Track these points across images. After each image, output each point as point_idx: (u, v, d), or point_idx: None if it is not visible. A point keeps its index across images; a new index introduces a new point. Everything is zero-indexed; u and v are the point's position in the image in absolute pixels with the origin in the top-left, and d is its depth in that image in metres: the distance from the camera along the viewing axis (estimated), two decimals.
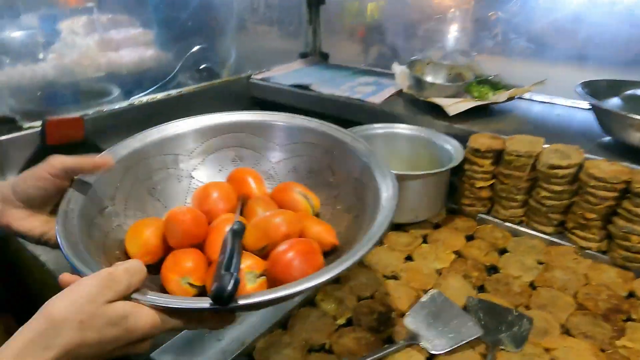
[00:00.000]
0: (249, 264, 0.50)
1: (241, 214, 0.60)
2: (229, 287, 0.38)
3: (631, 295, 0.69)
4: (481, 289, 0.71)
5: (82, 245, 0.48)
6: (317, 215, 0.64)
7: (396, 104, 1.08)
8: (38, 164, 0.53)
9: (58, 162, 0.52)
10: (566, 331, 0.63)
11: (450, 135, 0.90)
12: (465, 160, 0.85)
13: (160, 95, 1.11)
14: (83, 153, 0.97)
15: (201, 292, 0.51)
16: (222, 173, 0.69)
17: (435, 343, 0.59)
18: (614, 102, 0.85)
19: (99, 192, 0.56)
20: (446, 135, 0.90)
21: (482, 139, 0.85)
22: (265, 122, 0.70)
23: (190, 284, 0.50)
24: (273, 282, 0.50)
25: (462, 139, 0.88)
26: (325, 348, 0.60)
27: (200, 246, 0.55)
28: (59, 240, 0.47)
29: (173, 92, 1.13)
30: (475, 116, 0.98)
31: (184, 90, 1.16)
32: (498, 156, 0.84)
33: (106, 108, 1.00)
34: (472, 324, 0.61)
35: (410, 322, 0.62)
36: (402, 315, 0.65)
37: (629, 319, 0.64)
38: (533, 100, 1.09)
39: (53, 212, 0.53)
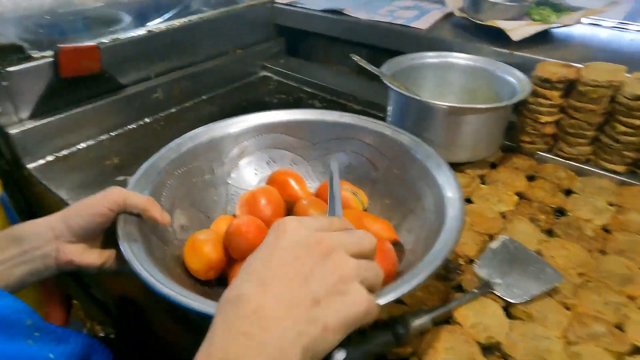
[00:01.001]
0: None
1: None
2: None
3: None
4: (550, 233, 0.66)
5: (155, 267, 0.46)
6: (365, 211, 0.63)
7: (444, 29, 0.97)
8: (95, 196, 0.50)
9: (121, 198, 0.49)
10: None
11: (510, 64, 0.81)
12: (530, 92, 0.76)
13: (178, 23, 0.99)
14: (100, 86, 0.89)
15: None
16: (258, 177, 0.67)
17: (512, 291, 0.54)
18: None
19: None
20: (507, 65, 0.81)
21: (553, 68, 0.75)
22: (296, 120, 0.68)
23: None
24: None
25: (523, 68, 0.78)
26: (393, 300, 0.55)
27: None
28: (134, 267, 0.45)
29: (194, 17, 1.01)
30: (536, 43, 0.87)
31: (204, 16, 1.04)
32: (569, 87, 0.74)
33: (122, 36, 0.89)
34: (551, 270, 0.56)
35: (482, 269, 0.57)
36: (471, 261, 0.60)
37: None
38: (598, 25, 0.97)
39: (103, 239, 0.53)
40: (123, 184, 0.76)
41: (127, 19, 1.03)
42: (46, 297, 0.78)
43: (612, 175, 0.75)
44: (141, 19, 1.03)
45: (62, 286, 0.91)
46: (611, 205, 0.70)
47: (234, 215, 0.64)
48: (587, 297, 0.55)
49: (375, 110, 0.99)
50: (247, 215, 0.59)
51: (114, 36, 0.88)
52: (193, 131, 0.64)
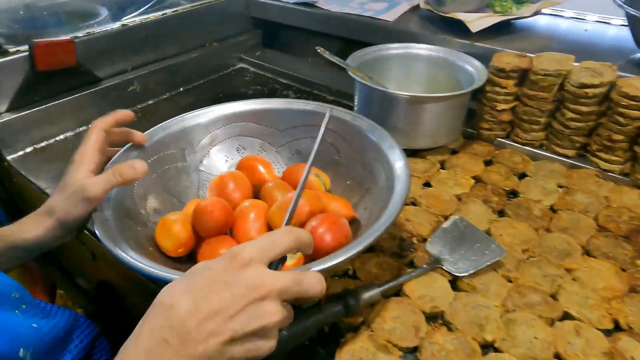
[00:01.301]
0: None
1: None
2: None
3: None
4: (501, 213, 0.70)
5: (125, 244, 0.50)
6: (328, 191, 0.67)
7: (411, 21, 1.00)
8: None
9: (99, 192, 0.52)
10: (587, 252, 0.63)
11: (471, 54, 0.84)
12: (487, 81, 0.80)
13: (154, 16, 1.02)
14: (77, 79, 0.92)
15: None
16: (228, 163, 0.71)
17: (458, 266, 0.59)
18: None
19: (128, 194, 0.59)
20: (467, 55, 0.84)
21: (507, 58, 0.79)
22: (264, 109, 0.72)
23: None
24: (310, 256, 0.52)
25: (483, 58, 0.82)
26: (349, 274, 0.60)
27: (227, 233, 0.60)
28: (105, 243, 0.49)
29: (168, 11, 1.03)
30: (497, 34, 0.91)
31: (179, 9, 1.06)
32: (523, 76, 0.79)
33: (97, 30, 0.91)
34: (495, 246, 0.61)
35: (433, 246, 0.62)
36: (424, 240, 0.64)
37: None
38: (558, 15, 1.01)
39: None
40: None
41: (104, 12, 1.05)
42: (31, 284, 0.82)
43: (563, 159, 0.80)
44: (119, 12, 1.05)
45: (46, 275, 0.94)
46: (560, 187, 0.74)
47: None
48: (528, 271, 0.59)
49: (346, 100, 1.03)
50: (214, 197, 0.63)
51: (89, 30, 0.91)
52: (165, 122, 0.68)
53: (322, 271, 0.43)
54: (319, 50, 0.80)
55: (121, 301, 0.76)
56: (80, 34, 0.89)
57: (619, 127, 0.71)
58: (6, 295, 0.49)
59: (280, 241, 0.39)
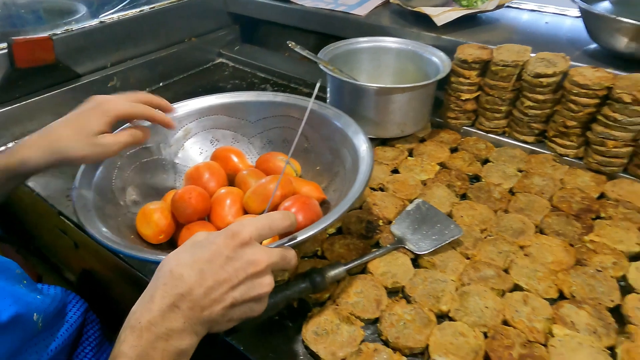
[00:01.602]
0: None
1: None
2: None
3: (602, 196, 0.73)
4: (464, 196, 0.75)
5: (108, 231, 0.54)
6: (300, 177, 0.71)
7: (382, 15, 1.04)
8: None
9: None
10: (540, 230, 0.67)
11: (438, 47, 0.89)
12: (451, 72, 0.84)
13: (131, 13, 1.04)
14: (57, 76, 0.94)
15: None
16: (203, 155, 0.75)
17: (419, 245, 0.63)
18: (603, 7, 0.83)
19: (106, 185, 0.62)
20: (433, 48, 0.88)
21: (470, 50, 0.84)
22: (235, 102, 0.75)
23: None
24: (284, 235, 0.56)
25: (451, 50, 0.86)
26: (317, 254, 0.64)
27: (204, 219, 0.63)
28: (89, 231, 0.52)
29: (145, 8, 1.06)
30: (464, 27, 0.95)
31: (156, 6, 1.08)
32: (485, 67, 0.83)
33: (75, 27, 0.93)
34: (454, 226, 0.65)
35: (396, 228, 0.66)
36: (389, 223, 0.68)
37: (598, 217, 0.69)
38: (522, 8, 1.05)
39: None
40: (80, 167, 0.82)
41: (82, 9, 1.07)
42: None
43: (524, 145, 0.84)
44: (97, 9, 1.07)
45: (31, 266, 0.97)
46: (520, 171, 0.79)
47: None
48: (485, 248, 0.64)
49: (321, 92, 1.06)
50: (190, 185, 0.66)
51: (67, 27, 0.93)
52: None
53: (294, 245, 0.48)
54: (290, 45, 0.83)
55: (106, 290, 0.79)
56: (58, 31, 0.91)
57: (572, 114, 0.76)
58: (11, 270, 0.53)
59: (276, 225, 0.44)
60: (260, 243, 0.44)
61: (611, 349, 0.50)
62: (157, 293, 0.39)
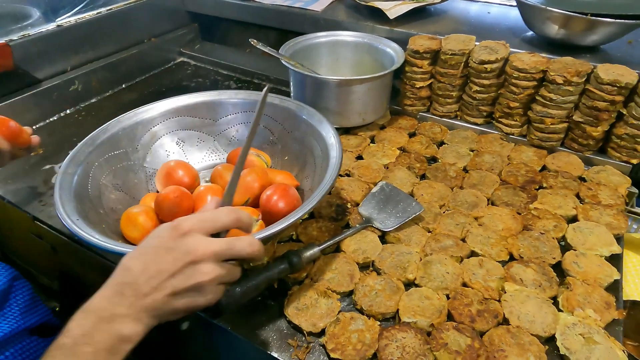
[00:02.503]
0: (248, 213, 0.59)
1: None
2: None
3: (544, 168, 0.82)
4: (423, 177, 0.81)
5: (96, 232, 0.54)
6: (270, 167, 0.75)
7: (338, 10, 1.08)
8: None
9: None
10: (492, 203, 0.75)
11: (391, 39, 0.94)
12: (405, 62, 0.90)
13: (89, 15, 1.03)
14: (16, 82, 0.93)
15: None
16: (170, 157, 0.76)
17: (385, 223, 0.69)
18: None
19: (85, 197, 0.62)
20: (388, 40, 0.94)
21: (421, 41, 0.90)
22: (198, 102, 0.77)
23: None
24: (268, 221, 0.61)
25: (403, 42, 0.92)
26: (293, 238, 0.68)
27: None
28: (77, 234, 0.53)
29: (102, 10, 1.05)
30: (416, 19, 1.01)
31: (114, 7, 1.08)
32: (435, 56, 0.90)
33: (32, 32, 0.92)
34: (415, 203, 0.71)
35: (364, 209, 0.72)
36: (357, 205, 0.74)
37: (540, 187, 0.77)
38: (470, 0, 1.13)
39: None
40: (49, 173, 0.82)
41: (35, 13, 1.05)
42: None
43: (474, 127, 0.92)
44: (51, 12, 1.06)
45: None
46: (472, 150, 0.87)
47: (157, 191, 0.73)
48: (444, 222, 0.70)
49: (284, 86, 1.10)
50: (172, 186, 0.67)
51: (24, 32, 0.92)
52: (105, 125, 0.71)
53: (278, 232, 0.52)
54: (252, 42, 0.86)
55: (88, 290, 0.80)
56: (14, 36, 0.90)
57: (514, 96, 0.84)
58: None
59: (220, 219, 0.46)
60: (221, 235, 0.46)
61: (554, 299, 0.58)
62: (109, 282, 0.43)
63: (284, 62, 0.87)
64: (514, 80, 0.82)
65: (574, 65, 0.78)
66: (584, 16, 0.78)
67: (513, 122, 0.87)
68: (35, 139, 0.70)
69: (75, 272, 0.79)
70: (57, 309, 0.80)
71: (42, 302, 0.73)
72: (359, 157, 0.86)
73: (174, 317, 0.44)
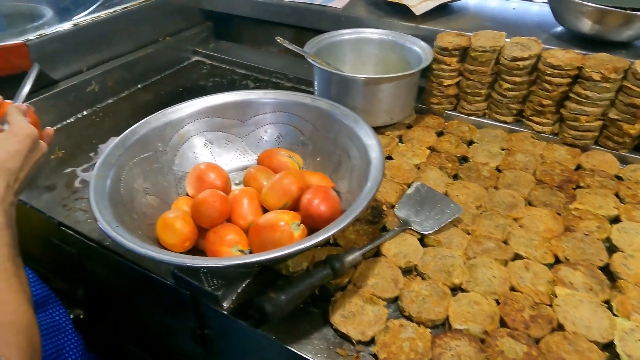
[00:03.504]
0: (288, 217, 0.57)
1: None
2: None
3: (579, 167, 0.80)
4: (455, 177, 0.79)
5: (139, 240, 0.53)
6: (302, 169, 0.72)
7: (359, 7, 1.06)
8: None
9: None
10: (529, 203, 0.73)
11: (416, 36, 0.92)
12: (433, 59, 0.88)
13: (104, 14, 1.00)
14: (33, 83, 0.90)
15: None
16: (198, 160, 0.74)
17: (424, 225, 0.67)
18: None
19: (119, 201, 0.60)
20: (414, 37, 0.92)
21: (449, 38, 0.88)
22: (225, 103, 0.75)
23: (240, 250, 0.58)
24: (308, 225, 0.59)
25: (428, 39, 0.90)
26: (331, 242, 0.66)
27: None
28: (123, 243, 0.51)
29: (118, 8, 1.02)
30: (439, 16, 0.99)
31: (129, 6, 1.05)
32: (464, 53, 0.88)
33: (49, 31, 0.90)
34: (454, 205, 0.69)
35: (400, 211, 0.70)
36: (392, 207, 0.72)
37: (578, 187, 0.76)
38: None
39: None
40: (71, 177, 0.80)
41: (48, 13, 1.03)
42: None
43: (504, 125, 0.90)
44: (64, 12, 1.03)
45: None
46: (503, 149, 0.85)
47: (187, 194, 0.70)
48: (482, 223, 0.68)
49: (304, 85, 1.08)
50: (208, 189, 0.64)
51: (40, 32, 0.89)
52: (134, 126, 0.68)
53: (328, 237, 0.51)
54: (278, 40, 0.84)
55: (113, 299, 0.78)
56: (31, 36, 0.87)
57: (547, 94, 0.82)
58: None
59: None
60: None
61: (607, 302, 0.56)
62: None
63: (310, 60, 0.85)
64: (547, 77, 0.80)
65: (611, 62, 0.76)
66: (623, 11, 0.76)
67: (545, 120, 0.85)
68: (49, 130, 0.69)
69: (100, 279, 0.77)
70: (82, 316, 0.78)
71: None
72: (389, 157, 0.84)
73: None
